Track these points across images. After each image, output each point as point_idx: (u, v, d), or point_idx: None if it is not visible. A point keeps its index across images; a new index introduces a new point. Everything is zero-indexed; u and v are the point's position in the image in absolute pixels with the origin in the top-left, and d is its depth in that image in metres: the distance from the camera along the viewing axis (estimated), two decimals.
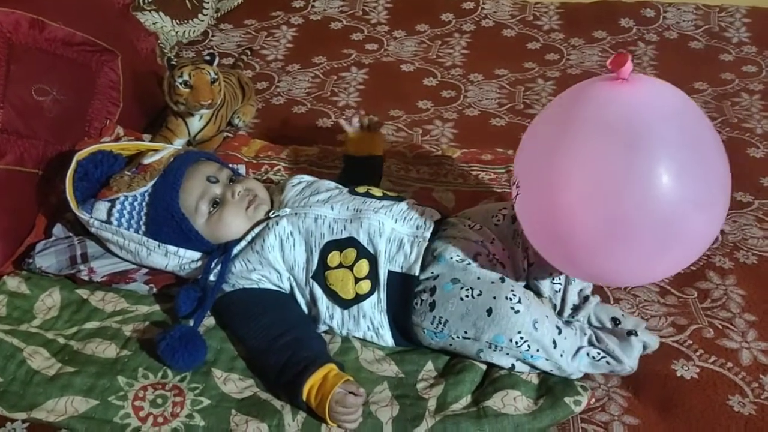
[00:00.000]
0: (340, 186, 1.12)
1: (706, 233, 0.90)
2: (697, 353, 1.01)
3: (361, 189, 1.10)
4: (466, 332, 0.95)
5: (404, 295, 1.00)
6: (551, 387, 0.96)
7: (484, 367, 0.99)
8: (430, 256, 1.01)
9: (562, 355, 0.95)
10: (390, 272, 1.00)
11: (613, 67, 0.86)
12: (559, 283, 1.01)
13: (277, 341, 0.96)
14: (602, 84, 0.89)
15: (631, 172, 0.83)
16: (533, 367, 0.96)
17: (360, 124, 1.23)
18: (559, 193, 0.87)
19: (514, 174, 0.96)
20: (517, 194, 0.93)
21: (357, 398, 0.90)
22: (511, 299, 0.94)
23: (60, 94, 1.27)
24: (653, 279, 1.03)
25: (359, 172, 1.20)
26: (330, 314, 1.02)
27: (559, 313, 1.00)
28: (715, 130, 0.92)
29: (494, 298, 0.94)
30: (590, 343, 0.97)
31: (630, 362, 0.96)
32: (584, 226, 0.86)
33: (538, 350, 0.94)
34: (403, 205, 1.06)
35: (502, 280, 0.97)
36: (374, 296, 1.00)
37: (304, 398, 0.91)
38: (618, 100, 0.86)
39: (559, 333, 0.95)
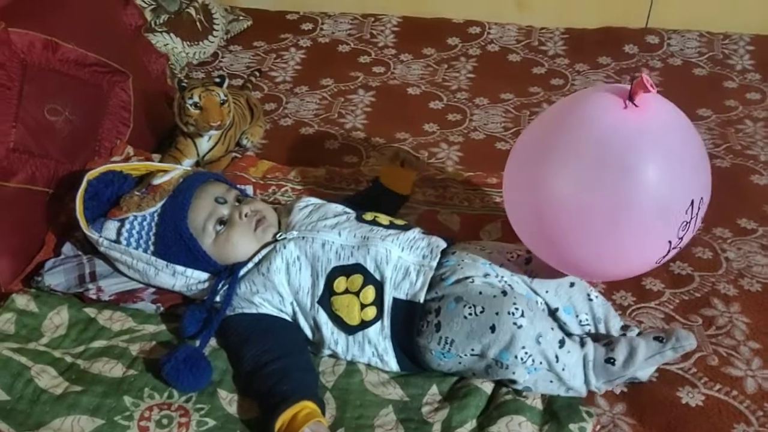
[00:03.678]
0: (348, 211, 1.13)
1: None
2: (702, 381, 1.01)
3: (369, 216, 1.11)
4: (473, 349, 0.96)
5: (408, 322, 1.00)
6: (556, 412, 0.96)
7: (489, 391, 0.99)
8: (437, 279, 1.02)
9: (564, 369, 0.95)
10: (395, 299, 1.01)
11: (636, 91, 0.89)
12: (588, 324, 1.02)
13: (264, 369, 0.97)
14: (611, 108, 0.92)
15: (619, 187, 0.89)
16: (534, 383, 0.96)
17: (399, 159, 1.25)
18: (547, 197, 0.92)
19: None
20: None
21: None
22: (513, 314, 0.94)
23: (72, 114, 1.28)
24: (630, 273, 1.04)
25: (381, 201, 1.22)
26: (335, 339, 1.02)
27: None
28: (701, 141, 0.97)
29: (497, 314, 0.94)
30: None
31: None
32: (570, 230, 0.92)
33: (541, 363, 0.94)
34: (410, 234, 1.07)
35: (504, 293, 0.96)
36: (379, 323, 1.00)
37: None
38: (622, 126, 0.90)
39: (561, 346, 0.95)
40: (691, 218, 0.92)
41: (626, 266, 0.97)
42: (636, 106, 0.90)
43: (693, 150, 0.94)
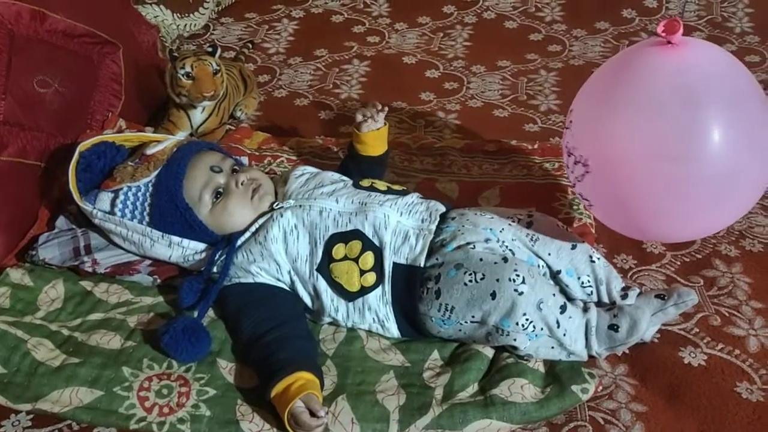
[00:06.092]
0: (345, 179, 1.11)
1: (758, 183, 0.94)
2: (704, 340, 1.01)
3: (366, 183, 1.09)
4: (473, 316, 0.95)
5: (410, 286, 0.99)
6: (558, 375, 0.95)
7: (490, 355, 0.98)
8: (438, 245, 1.00)
9: (565, 335, 0.94)
10: (395, 264, 1.00)
11: (667, 34, 0.91)
12: (590, 286, 1.01)
13: (262, 338, 0.96)
14: (653, 49, 0.93)
15: (688, 130, 0.88)
16: (536, 349, 0.95)
17: (362, 124, 1.16)
18: (621, 162, 0.91)
19: (572, 152, 0.95)
20: (586, 172, 0.93)
21: (312, 420, 0.87)
22: (514, 280, 0.93)
23: (62, 86, 1.26)
24: (710, 232, 1.05)
25: (367, 166, 1.18)
26: (335, 307, 1.01)
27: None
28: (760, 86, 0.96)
29: (497, 280, 0.93)
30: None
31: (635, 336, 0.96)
32: (646, 187, 0.90)
33: (542, 329, 0.94)
34: (408, 199, 1.06)
35: (505, 260, 0.96)
36: (379, 289, 1.00)
37: (271, 400, 0.91)
38: (671, 63, 0.91)
39: (563, 312, 0.95)
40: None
41: None
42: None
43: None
